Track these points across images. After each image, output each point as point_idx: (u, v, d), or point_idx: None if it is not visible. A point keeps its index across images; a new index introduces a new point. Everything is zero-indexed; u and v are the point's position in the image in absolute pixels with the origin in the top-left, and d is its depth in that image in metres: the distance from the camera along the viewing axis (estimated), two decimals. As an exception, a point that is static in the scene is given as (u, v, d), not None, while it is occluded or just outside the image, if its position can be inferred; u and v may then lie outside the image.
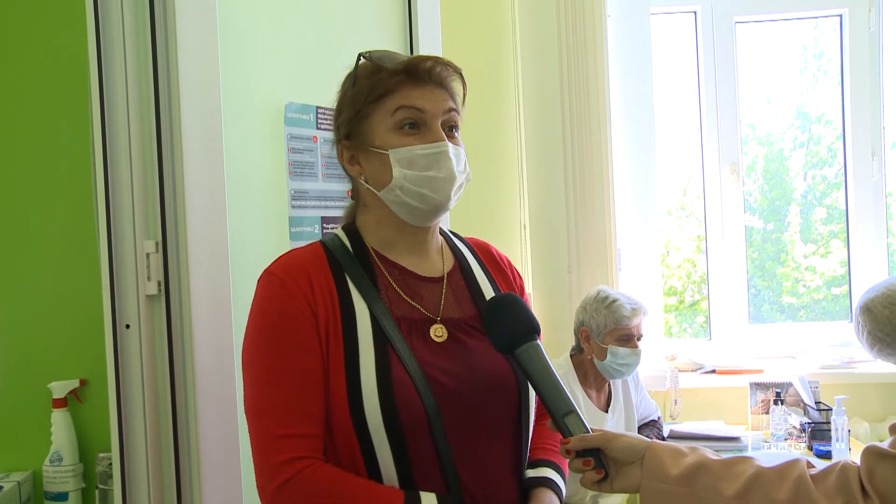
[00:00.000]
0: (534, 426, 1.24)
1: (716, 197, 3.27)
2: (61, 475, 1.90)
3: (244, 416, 1.57)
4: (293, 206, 1.75)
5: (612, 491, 1.11)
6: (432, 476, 1.11)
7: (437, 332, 1.18)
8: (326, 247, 1.21)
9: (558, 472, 1.25)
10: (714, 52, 3.25)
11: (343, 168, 1.26)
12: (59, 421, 1.92)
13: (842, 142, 3.28)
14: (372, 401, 1.08)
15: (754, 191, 3.43)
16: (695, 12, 3.26)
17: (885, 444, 1.04)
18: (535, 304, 2.89)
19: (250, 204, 1.68)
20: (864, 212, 3.20)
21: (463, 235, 1.37)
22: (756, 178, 3.43)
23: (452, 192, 1.19)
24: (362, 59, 1.21)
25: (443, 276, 1.24)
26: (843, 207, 3.29)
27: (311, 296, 1.13)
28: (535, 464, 1.25)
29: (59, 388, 1.92)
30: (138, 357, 1.51)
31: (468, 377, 1.15)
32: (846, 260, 3.28)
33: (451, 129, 1.20)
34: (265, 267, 1.18)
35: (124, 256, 1.52)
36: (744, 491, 1.04)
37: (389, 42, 1.99)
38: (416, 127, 1.17)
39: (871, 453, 1.03)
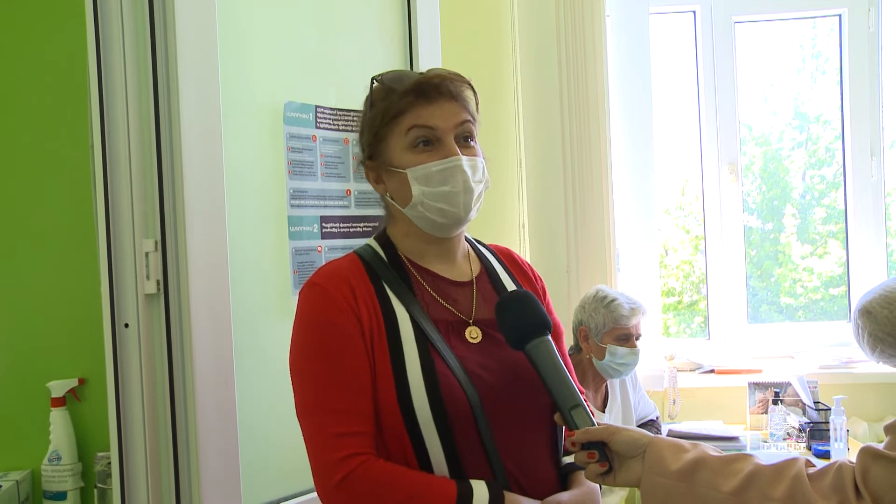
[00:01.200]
0: None
1: (714, 197, 3.27)
2: (60, 474, 1.90)
3: (243, 415, 1.59)
4: (292, 206, 1.75)
5: (616, 484, 1.14)
6: (479, 465, 1.17)
7: (472, 334, 1.25)
8: (362, 257, 1.27)
9: None
10: (713, 52, 3.25)
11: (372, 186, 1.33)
12: (58, 420, 1.92)
13: (840, 142, 3.28)
14: (420, 397, 1.14)
15: (753, 191, 3.43)
16: (694, 12, 3.26)
17: (881, 445, 1.05)
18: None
19: (249, 203, 1.68)
20: (863, 212, 3.20)
21: (473, 240, 1.41)
22: (754, 179, 3.43)
23: (472, 203, 1.24)
24: (375, 83, 1.26)
25: (472, 281, 1.31)
26: (842, 207, 3.29)
27: (354, 302, 1.20)
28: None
29: (58, 387, 1.93)
30: (137, 356, 1.52)
31: (505, 373, 1.21)
32: (844, 260, 3.29)
33: (465, 139, 1.24)
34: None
35: (123, 255, 1.52)
36: (741, 488, 1.05)
37: (389, 42, 1.99)
38: (429, 144, 1.22)
39: (867, 454, 1.04)
